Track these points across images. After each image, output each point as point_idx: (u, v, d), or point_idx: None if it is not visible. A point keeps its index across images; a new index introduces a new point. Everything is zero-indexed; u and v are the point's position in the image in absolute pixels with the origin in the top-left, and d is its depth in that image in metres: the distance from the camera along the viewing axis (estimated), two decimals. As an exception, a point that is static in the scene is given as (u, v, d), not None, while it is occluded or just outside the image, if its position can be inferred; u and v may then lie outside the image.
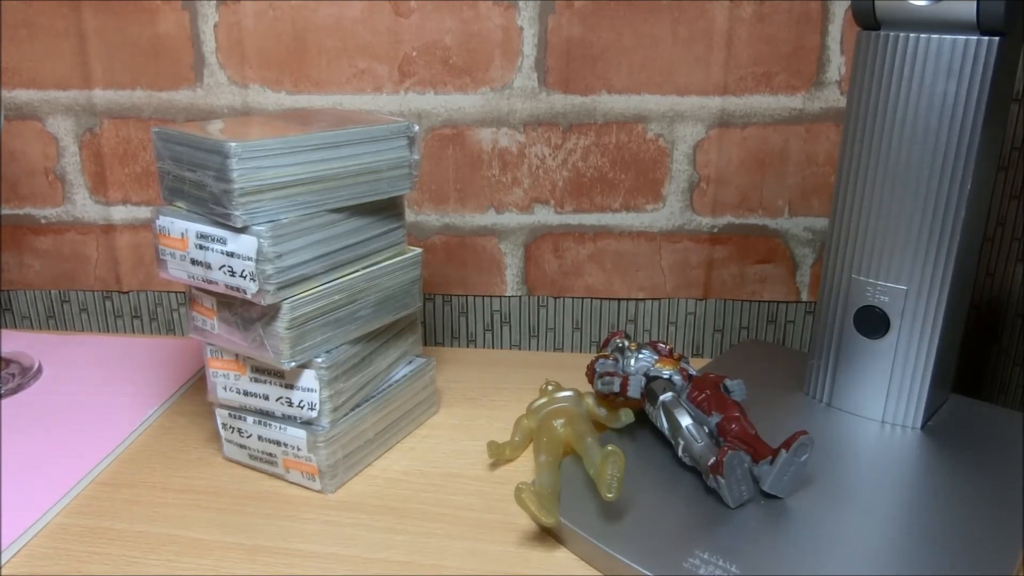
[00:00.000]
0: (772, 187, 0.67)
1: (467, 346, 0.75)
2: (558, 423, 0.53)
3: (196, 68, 0.68)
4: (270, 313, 0.47)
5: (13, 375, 0.66)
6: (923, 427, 0.53)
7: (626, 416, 0.53)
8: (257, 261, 0.46)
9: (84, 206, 0.74)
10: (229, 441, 0.54)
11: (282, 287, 0.47)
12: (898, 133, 0.48)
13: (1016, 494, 0.47)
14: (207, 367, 0.52)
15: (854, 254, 0.52)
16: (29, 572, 0.45)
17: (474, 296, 0.73)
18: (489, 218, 0.70)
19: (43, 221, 0.75)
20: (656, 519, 0.45)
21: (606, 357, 0.56)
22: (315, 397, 0.50)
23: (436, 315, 0.74)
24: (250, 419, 0.52)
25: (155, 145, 0.49)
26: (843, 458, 0.50)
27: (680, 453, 0.49)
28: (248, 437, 0.53)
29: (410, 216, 0.71)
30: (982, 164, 0.48)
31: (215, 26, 0.67)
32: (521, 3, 0.64)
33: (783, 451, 0.45)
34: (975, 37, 0.45)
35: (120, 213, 0.74)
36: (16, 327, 0.78)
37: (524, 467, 0.54)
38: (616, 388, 0.52)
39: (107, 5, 0.68)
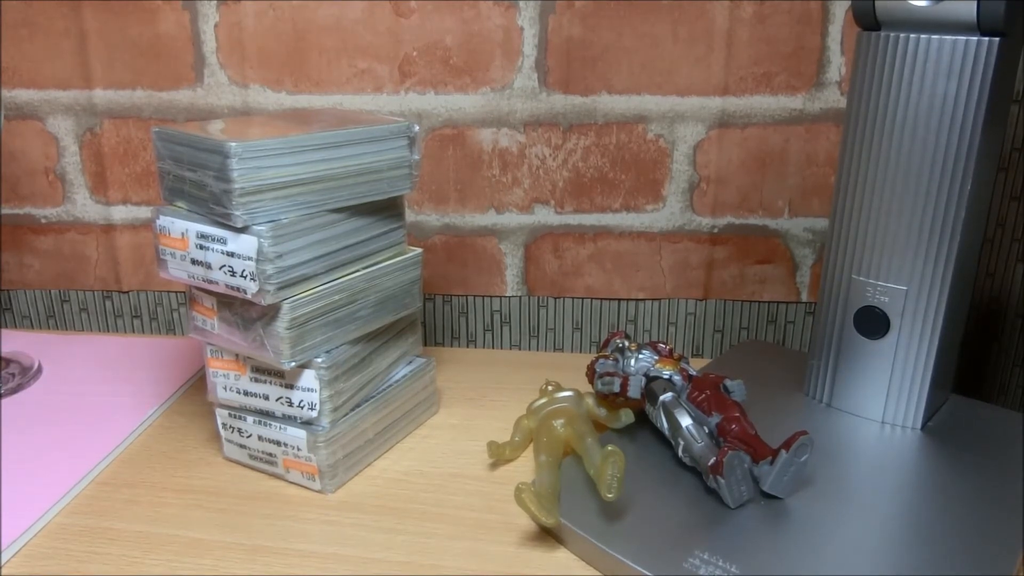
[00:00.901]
0: (772, 187, 0.67)
1: (467, 346, 0.75)
2: (558, 423, 0.53)
3: (196, 68, 0.68)
4: (270, 313, 0.47)
5: (13, 375, 0.66)
6: (923, 427, 0.53)
7: (626, 416, 0.53)
8: (257, 261, 0.46)
9: (84, 206, 0.74)
10: (229, 441, 0.54)
11: (282, 287, 0.47)
12: (898, 134, 0.48)
13: (1016, 494, 0.47)
14: (207, 367, 0.52)
15: (854, 254, 0.52)
16: (29, 572, 0.45)
17: (474, 296, 0.73)
18: (489, 218, 0.70)
19: (43, 221, 0.75)
20: (656, 519, 0.45)
21: (606, 357, 0.56)
22: (315, 397, 0.50)
23: (436, 315, 0.74)
24: (250, 419, 0.52)
25: (155, 145, 0.49)
26: (843, 458, 0.50)
27: (680, 453, 0.49)
28: (248, 437, 0.53)
29: (410, 216, 0.71)
30: (982, 165, 0.48)
31: (215, 26, 0.67)
32: (521, 3, 0.64)
33: (783, 451, 0.45)
34: (975, 38, 0.45)
35: (120, 213, 0.74)
36: (16, 327, 0.78)
37: (524, 467, 0.54)
38: (616, 388, 0.52)
39: (107, 5, 0.68)
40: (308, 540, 0.47)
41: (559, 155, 0.68)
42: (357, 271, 0.52)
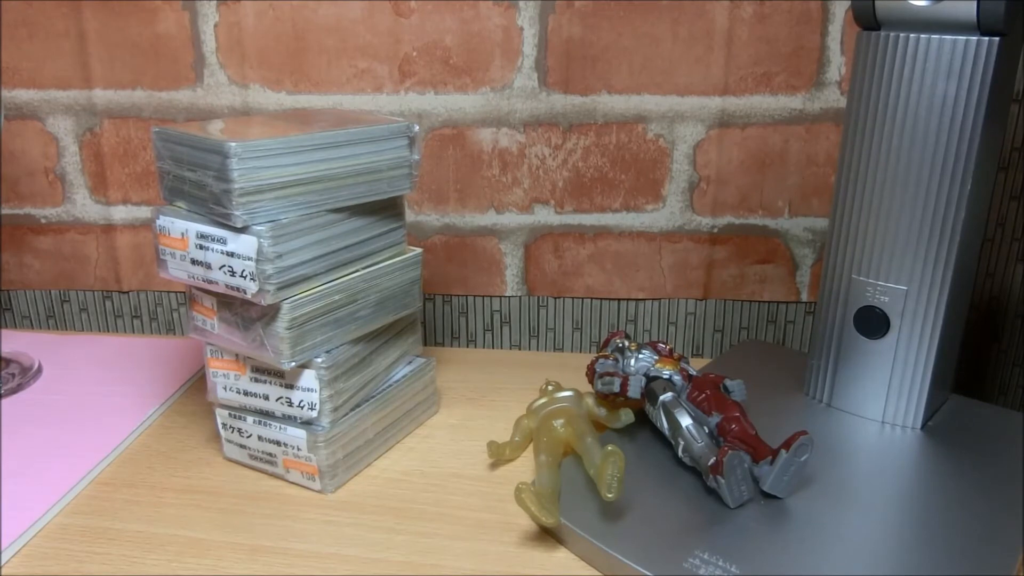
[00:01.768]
0: (772, 187, 0.67)
1: (467, 346, 0.75)
2: (558, 423, 0.53)
3: (196, 68, 0.68)
4: (270, 313, 0.47)
5: (13, 375, 0.66)
6: (923, 427, 0.53)
7: (626, 416, 0.53)
8: (257, 261, 0.46)
9: (84, 206, 0.74)
10: (229, 441, 0.54)
11: (282, 287, 0.47)
12: (898, 133, 0.48)
13: (1016, 494, 0.47)
14: (207, 367, 0.52)
15: (854, 254, 0.52)
16: (29, 572, 0.45)
17: (474, 296, 0.73)
18: (489, 218, 0.70)
19: (43, 221, 0.75)
20: (656, 519, 0.45)
21: (606, 357, 0.56)
22: (315, 397, 0.50)
23: (436, 315, 0.74)
24: (250, 419, 0.52)
25: (155, 145, 0.49)
26: (843, 458, 0.50)
27: (680, 453, 0.49)
28: (248, 437, 0.53)
29: (410, 216, 0.71)
30: (982, 165, 0.48)
31: (215, 26, 0.67)
32: (521, 3, 0.64)
33: (783, 451, 0.45)
34: (975, 37, 0.45)
35: (120, 213, 0.74)
36: (16, 327, 0.78)
37: (524, 467, 0.54)
38: (616, 388, 0.52)
39: (107, 5, 0.68)
40: (308, 540, 0.47)
41: (559, 155, 0.68)
42: (357, 271, 0.52)
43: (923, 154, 0.48)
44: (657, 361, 0.54)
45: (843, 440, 0.52)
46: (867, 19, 0.48)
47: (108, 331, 0.78)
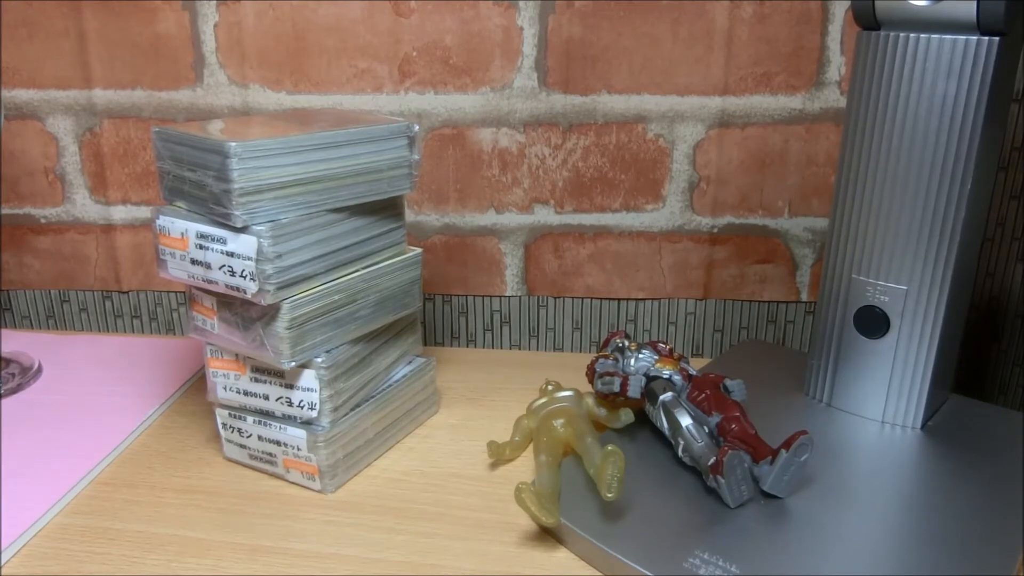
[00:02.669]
0: (772, 187, 0.67)
1: (467, 346, 0.75)
2: (558, 423, 0.53)
3: (196, 68, 0.68)
4: (270, 313, 0.47)
5: (13, 375, 0.66)
6: (923, 427, 0.53)
7: (626, 416, 0.53)
8: (257, 261, 0.46)
9: (84, 206, 0.74)
10: (229, 441, 0.54)
11: (282, 287, 0.47)
12: (898, 133, 0.48)
13: (1016, 494, 0.47)
14: (207, 367, 0.52)
15: (854, 254, 0.52)
16: (29, 572, 0.45)
17: (474, 296, 0.73)
18: (489, 218, 0.70)
19: (43, 221, 0.75)
20: (656, 519, 0.45)
21: (606, 357, 0.56)
22: (315, 397, 0.50)
23: (436, 315, 0.74)
24: (250, 419, 0.52)
25: (155, 145, 0.49)
26: (843, 458, 0.50)
27: (680, 453, 0.49)
28: (248, 437, 0.53)
29: (410, 216, 0.71)
30: (982, 164, 0.48)
31: (215, 26, 0.67)
32: (521, 3, 0.64)
33: (783, 451, 0.45)
34: (975, 37, 0.45)
35: (120, 213, 0.74)
36: (16, 327, 0.78)
37: (524, 467, 0.54)
38: (616, 388, 0.52)
39: (107, 5, 0.68)
40: (308, 540, 0.47)
41: (559, 155, 0.68)
42: (357, 271, 0.52)
43: (923, 154, 0.48)
44: (657, 361, 0.54)
45: (843, 440, 0.52)
46: (867, 19, 0.48)
47: (108, 331, 0.78)
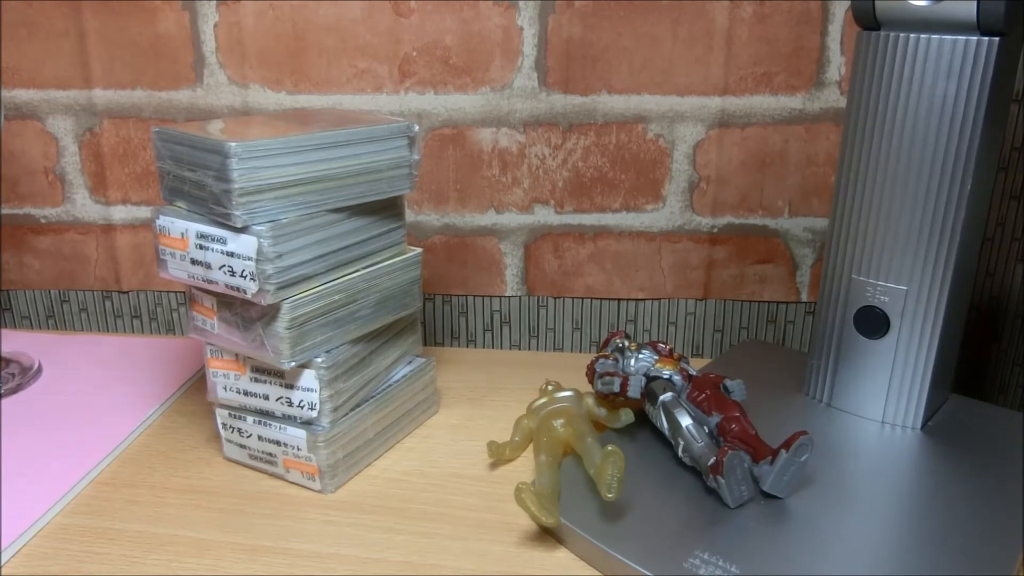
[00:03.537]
0: (772, 187, 0.67)
1: (467, 346, 0.75)
2: (558, 423, 0.53)
3: (196, 68, 0.68)
4: (270, 313, 0.47)
5: (13, 375, 0.66)
6: (923, 427, 0.53)
7: (626, 416, 0.53)
8: (257, 261, 0.46)
9: (84, 206, 0.74)
10: (229, 441, 0.54)
11: (282, 287, 0.47)
12: (898, 133, 0.48)
13: (1016, 494, 0.47)
14: (207, 367, 0.52)
15: (854, 254, 0.52)
16: (29, 572, 0.45)
17: (474, 296, 0.73)
18: (489, 218, 0.70)
19: (43, 221, 0.75)
20: (656, 519, 0.45)
21: (606, 357, 0.56)
22: (315, 397, 0.50)
23: (436, 315, 0.74)
24: (250, 419, 0.52)
25: (155, 145, 0.49)
26: (843, 458, 0.50)
27: (680, 453, 0.49)
28: (248, 437, 0.53)
29: (410, 216, 0.71)
30: (982, 164, 0.48)
31: (215, 26, 0.67)
32: (521, 3, 0.64)
33: (783, 451, 0.45)
34: (975, 37, 0.45)
35: (120, 213, 0.74)
36: (16, 327, 0.78)
37: (524, 467, 0.54)
38: (616, 388, 0.52)
39: (107, 5, 0.68)
40: (308, 540, 0.47)
41: (559, 155, 0.68)
42: (357, 271, 0.52)
43: (923, 154, 0.48)
44: (657, 361, 0.54)
45: (843, 440, 0.52)
46: (867, 19, 0.48)
47: (108, 331, 0.78)
